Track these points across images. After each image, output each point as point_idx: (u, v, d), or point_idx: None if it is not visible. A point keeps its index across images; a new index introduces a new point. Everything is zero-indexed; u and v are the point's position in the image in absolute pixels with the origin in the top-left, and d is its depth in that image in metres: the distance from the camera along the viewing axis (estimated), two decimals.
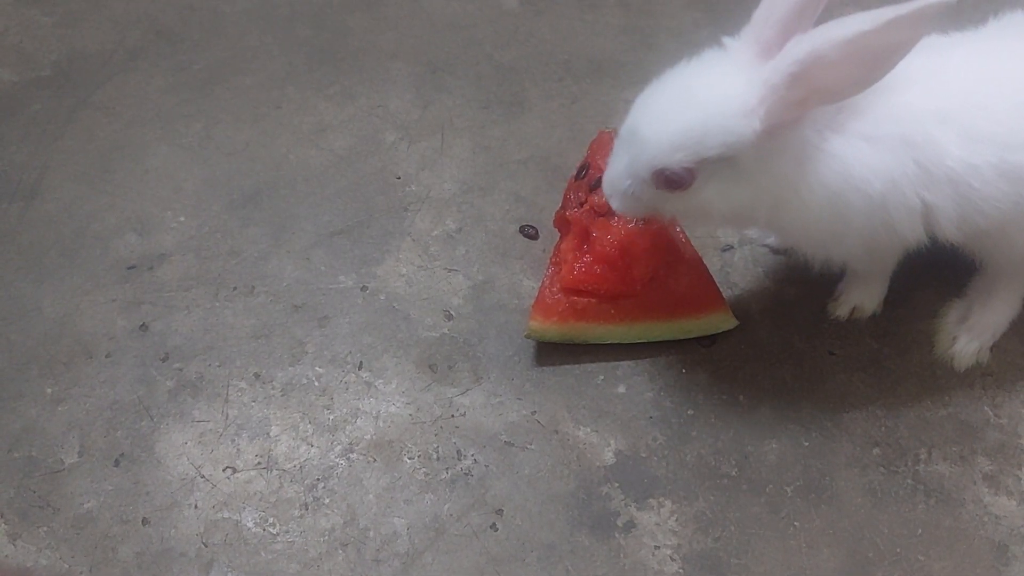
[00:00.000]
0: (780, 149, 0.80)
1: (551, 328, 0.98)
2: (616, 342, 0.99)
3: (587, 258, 0.97)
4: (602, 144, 1.08)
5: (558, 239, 1.03)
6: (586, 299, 0.98)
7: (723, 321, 1.00)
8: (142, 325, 1.04)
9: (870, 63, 0.75)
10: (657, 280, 0.98)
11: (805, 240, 0.89)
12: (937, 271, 1.07)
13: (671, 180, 0.82)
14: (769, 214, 0.85)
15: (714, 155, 0.80)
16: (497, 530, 0.90)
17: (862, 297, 1.02)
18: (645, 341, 1.00)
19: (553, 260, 1.01)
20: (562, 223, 1.03)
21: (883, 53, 0.75)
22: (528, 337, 0.99)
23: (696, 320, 0.99)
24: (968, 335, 1.00)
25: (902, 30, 0.73)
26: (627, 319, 0.98)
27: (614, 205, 0.87)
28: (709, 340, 1.01)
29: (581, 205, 1.01)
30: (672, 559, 0.88)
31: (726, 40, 0.83)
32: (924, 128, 0.80)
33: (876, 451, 0.95)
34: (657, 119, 0.82)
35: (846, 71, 0.75)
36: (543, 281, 1.00)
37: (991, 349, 1.01)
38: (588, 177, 1.05)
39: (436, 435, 0.96)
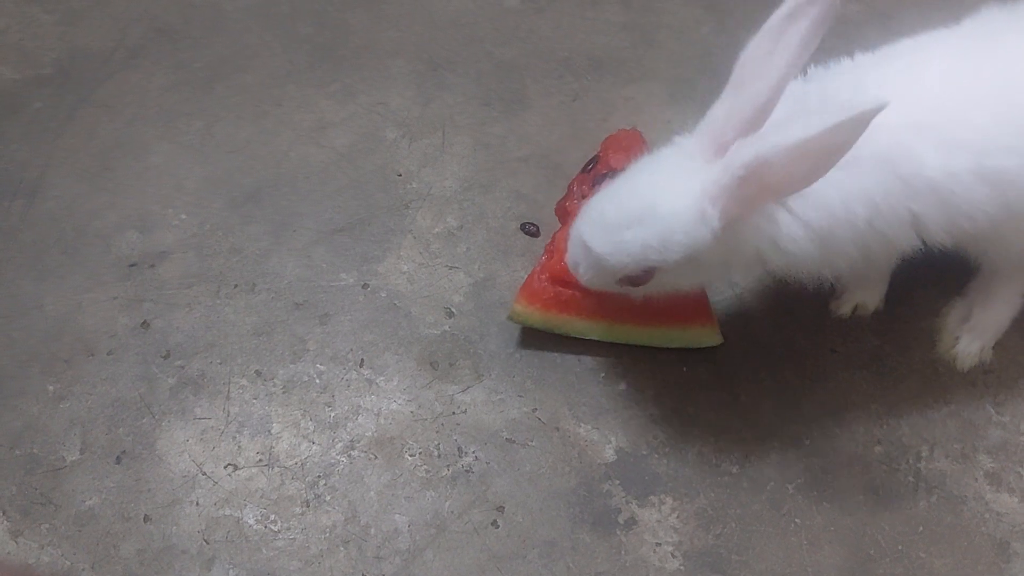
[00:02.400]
0: (743, 229, 0.80)
1: (534, 314, 0.98)
2: (597, 339, 0.99)
3: None
4: (616, 141, 1.08)
5: (558, 228, 1.03)
6: (571, 291, 0.97)
7: (707, 336, 0.99)
8: (143, 323, 1.04)
9: (814, 163, 0.75)
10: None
11: (793, 274, 0.87)
12: (938, 269, 1.06)
13: (633, 279, 0.84)
14: (747, 270, 0.85)
15: (674, 260, 0.80)
16: (498, 527, 0.90)
17: (864, 295, 1.02)
18: (625, 343, 0.99)
19: (548, 247, 1.01)
20: (562, 213, 1.03)
21: (826, 154, 0.74)
22: (510, 319, 0.99)
23: (679, 331, 0.99)
24: (970, 335, 1.00)
25: (843, 134, 0.72)
26: (609, 318, 0.98)
27: (581, 281, 0.88)
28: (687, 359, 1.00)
29: (583, 197, 1.01)
30: (673, 556, 0.88)
31: (677, 139, 0.83)
32: (899, 141, 0.79)
33: (878, 448, 0.95)
34: (613, 235, 0.81)
35: (792, 171, 0.75)
36: (535, 267, 1.00)
37: (992, 347, 1.01)
38: (594, 172, 1.05)
39: (437, 432, 0.96)
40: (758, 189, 0.76)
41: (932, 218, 0.82)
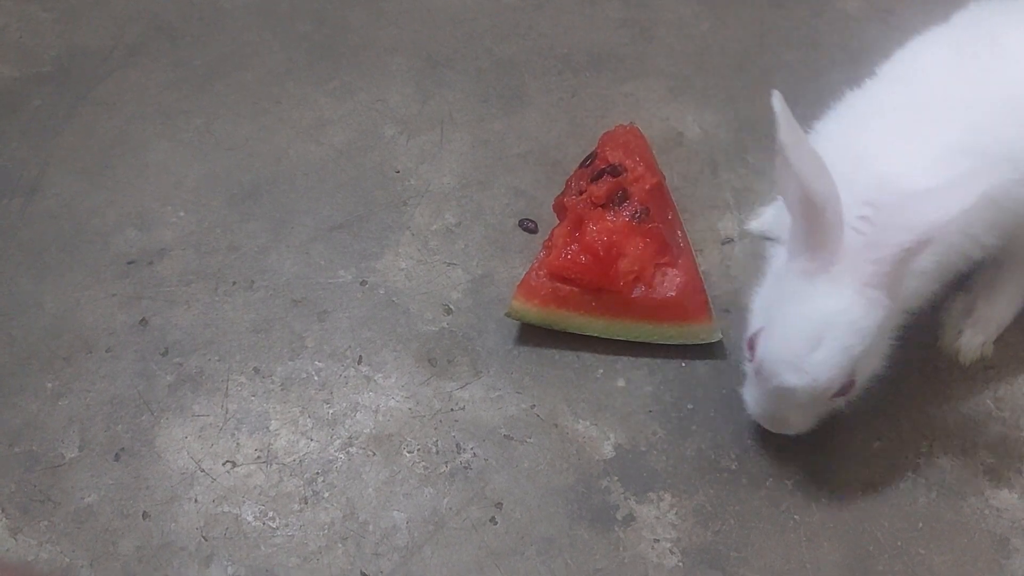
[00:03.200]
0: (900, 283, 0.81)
1: (532, 310, 0.98)
2: (595, 335, 0.99)
3: (575, 247, 0.97)
4: (613, 137, 1.08)
5: (556, 224, 1.03)
6: (569, 287, 0.97)
7: (706, 333, 0.99)
8: (142, 320, 1.04)
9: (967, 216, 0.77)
10: (643, 280, 0.97)
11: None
12: None
13: (843, 389, 0.83)
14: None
15: (871, 342, 0.81)
16: (496, 524, 0.90)
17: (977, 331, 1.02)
18: (623, 339, 0.99)
19: (546, 243, 1.01)
20: (560, 209, 1.03)
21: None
22: (508, 316, 0.99)
23: (677, 327, 0.98)
24: (973, 329, 1.00)
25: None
26: (607, 314, 0.98)
27: (798, 431, 0.89)
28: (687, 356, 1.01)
29: (580, 193, 1.01)
30: (672, 552, 0.88)
31: (805, 266, 0.81)
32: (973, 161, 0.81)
33: (877, 444, 0.94)
34: (807, 364, 0.80)
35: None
36: (533, 262, 1.00)
37: (994, 342, 1.00)
38: (592, 167, 1.04)
39: (435, 429, 0.96)
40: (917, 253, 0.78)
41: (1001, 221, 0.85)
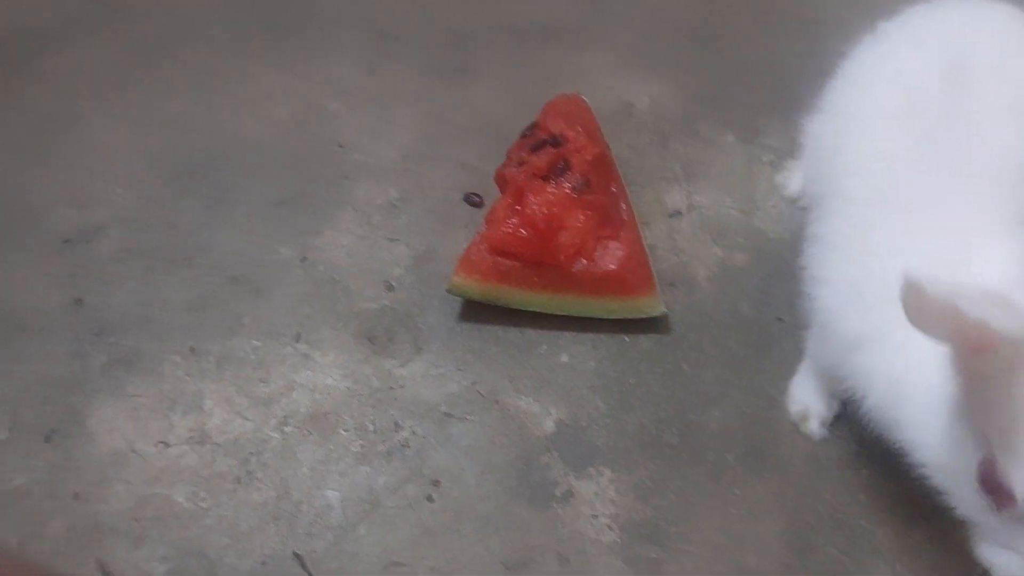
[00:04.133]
0: None
1: (473, 285, 0.96)
2: (537, 310, 0.97)
3: (515, 220, 0.95)
4: (555, 107, 1.05)
5: (498, 197, 1.01)
6: (511, 262, 0.95)
7: (649, 306, 0.97)
8: (77, 299, 1.01)
9: None
10: (585, 253, 0.95)
11: None
12: None
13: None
14: None
15: None
16: (433, 502, 0.88)
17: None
18: (567, 315, 0.98)
19: (487, 217, 0.99)
20: (501, 181, 1.01)
21: None
22: (449, 291, 0.97)
23: (619, 301, 0.96)
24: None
25: None
26: (549, 289, 0.96)
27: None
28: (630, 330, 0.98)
29: (521, 164, 0.99)
30: (610, 528, 0.87)
31: None
32: None
33: None
34: None
35: None
36: (475, 236, 0.98)
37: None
38: (533, 136, 1.02)
39: (373, 407, 0.94)
40: None
41: None
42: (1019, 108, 0.75)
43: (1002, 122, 0.74)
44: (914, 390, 0.66)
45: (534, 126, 1.03)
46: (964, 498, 0.62)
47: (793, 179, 1.07)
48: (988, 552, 0.61)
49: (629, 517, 0.87)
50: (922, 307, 0.54)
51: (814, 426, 0.91)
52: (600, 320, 0.98)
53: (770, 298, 1.01)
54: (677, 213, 1.07)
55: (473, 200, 1.08)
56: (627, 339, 0.98)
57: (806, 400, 0.92)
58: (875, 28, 0.86)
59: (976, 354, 0.57)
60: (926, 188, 0.73)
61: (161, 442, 0.92)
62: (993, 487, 0.57)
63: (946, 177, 0.72)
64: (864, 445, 0.91)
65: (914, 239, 0.71)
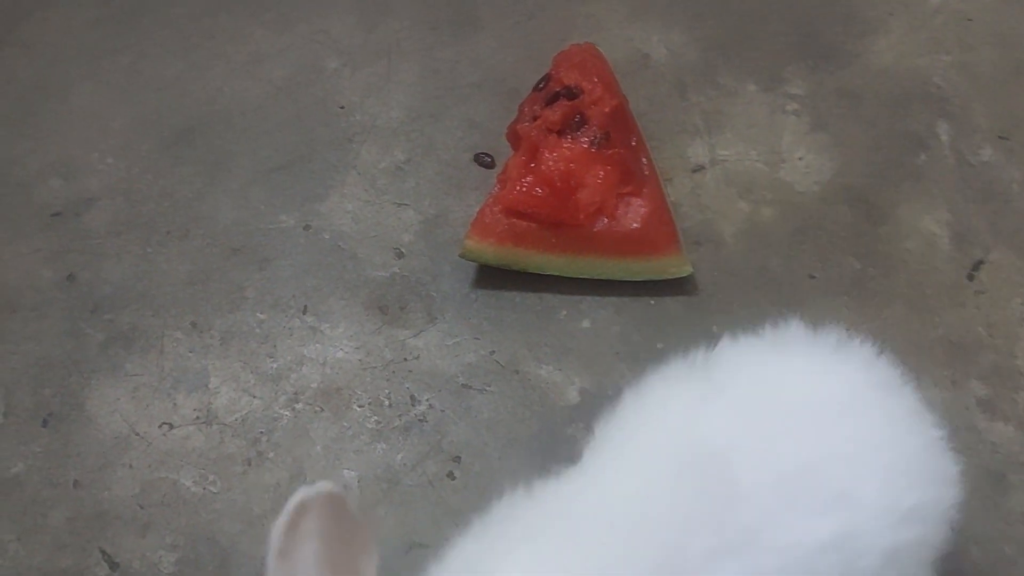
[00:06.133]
0: None
1: (487, 249, 0.91)
2: (556, 274, 0.92)
3: (530, 178, 0.89)
4: (568, 57, 0.99)
5: (510, 155, 0.95)
6: (526, 223, 0.90)
7: (675, 266, 0.91)
8: (69, 275, 0.96)
9: None
10: (606, 211, 0.89)
11: None
12: (924, 183, 0.99)
13: None
14: None
15: None
16: (455, 479, 0.84)
17: None
18: (588, 278, 0.92)
19: (500, 177, 0.93)
20: (513, 137, 0.95)
21: None
22: (462, 256, 0.92)
23: (645, 262, 0.91)
24: None
25: None
26: (568, 251, 0.90)
27: None
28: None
29: (534, 119, 0.93)
30: None
31: None
32: None
33: None
34: None
35: None
36: (487, 198, 0.92)
37: (986, 264, 0.93)
38: (547, 89, 0.96)
39: (388, 380, 0.89)
40: None
41: None
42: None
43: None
44: None
45: (547, 78, 0.97)
46: None
47: None
48: None
49: None
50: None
51: None
52: (623, 283, 0.93)
53: (800, 254, 0.96)
54: (700, 168, 1.02)
55: (484, 160, 1.02)
56: (652, 302, 0.93)
57: None
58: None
59: None
60: None
61: (165, 423, 0.87)
62: None
63: None
64: None
65: None
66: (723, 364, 0.68)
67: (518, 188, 0.89)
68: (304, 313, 0.93)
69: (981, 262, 0.95)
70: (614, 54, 1.08)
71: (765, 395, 0.65)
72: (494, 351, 0.91)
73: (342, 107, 1.08)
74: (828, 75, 1.09)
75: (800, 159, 1.02)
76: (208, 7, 1.17)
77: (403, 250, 0.97)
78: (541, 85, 0.96)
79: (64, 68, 1.12)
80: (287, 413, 0.87)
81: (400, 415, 0.87)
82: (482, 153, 1.03)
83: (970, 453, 0.83)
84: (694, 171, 1.01)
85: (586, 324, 0.92)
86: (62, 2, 1.18)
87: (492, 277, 0.94)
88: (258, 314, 0.93)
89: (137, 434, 0.86)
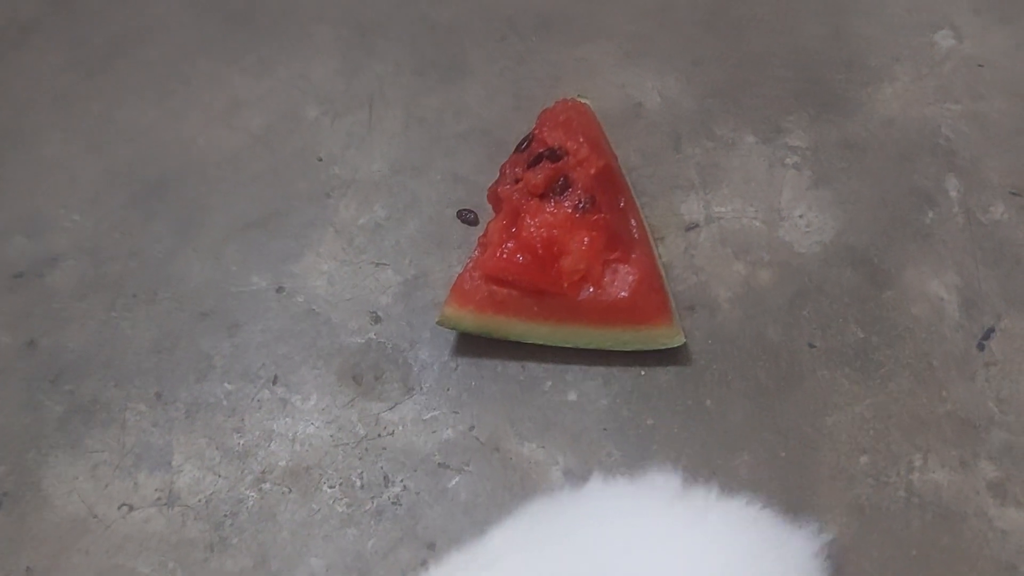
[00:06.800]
0: None
1: (467, 317, 0.86)
2: (540, 343, 0.87)
3: (511, 244, 0.84)
4: (552, 116, 0.94)
5: (492, 217, 0.90)
6: (507, 290, 0.85)
7: (666, 336, 0.86)
8: (30, 341, 0.91)
9: None
10: (591, 279, 0.85)
11: None
12: (932, 243, 0.94)
13: None
14: None
15: None
16: (429, 569, 0.78)
17: None
18: (573, 347, 0.87)
19: (480, 240, 0.88)
20: (495, 200, 0.90)
21: None
22: (440, 324, 0.87)
23: (633, 331, 0.86)
24: None
25: None
26: (552, 319, 0.85)
27: None
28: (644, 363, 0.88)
29: (516, 181, 0.88)
30: None
31: None
32: None
33: (864, 459, 0.83)
34: None
35: None
36: (467, 263, 0.87)
37: (997, 332, 0.88)
38: (529, 150, 0.91)
39: (360, 459, 0.84)
40: None
41: None
42: None
43: None
44: None
45: (530, 138, 0.92)
46: None
47: None
48: None
49: None
50: None
51: None
52: (612, 352, 0.88)
53: (799, 320, 0.91)
54: (694, 226, 0.97)
55: (467, 217, 0.97)
56: (643, 372, 0.88)
57: None
58: None
59: None
60: None
61: (125, 504, 0.82)
62: None
63: None
64: (913, 491, 0.81)
65: None
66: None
67: (499, 254, 0.85)
68: (274, 383, 0.88)
69: (992, 330, 0.89)
70: (605, 103, 1.03)
71: None
72: (473, 426, 0.86)
73: (321, 159, 1.03)
74: (830, 125, 1.03)
75: (800, 217, 0.97)
76: (185, 51, 1.12)
77: (380, 314, 0.92)
78: (524, 145, 0.91)
79: (33, 116, 1.08)
80: (253, 494, 0.82)
81: (372, 497, 0.82)
82: (465, 210, 0.98)
83: (979, 543, 0.78)
84: (688, 229, 0.96)
85: (572, 396, 0.87)
86: (33, 45, 1.14)
87: (473, 343, 0.89)
88: (226, 384, 0.88)
89: (95, 516, 0.82)
